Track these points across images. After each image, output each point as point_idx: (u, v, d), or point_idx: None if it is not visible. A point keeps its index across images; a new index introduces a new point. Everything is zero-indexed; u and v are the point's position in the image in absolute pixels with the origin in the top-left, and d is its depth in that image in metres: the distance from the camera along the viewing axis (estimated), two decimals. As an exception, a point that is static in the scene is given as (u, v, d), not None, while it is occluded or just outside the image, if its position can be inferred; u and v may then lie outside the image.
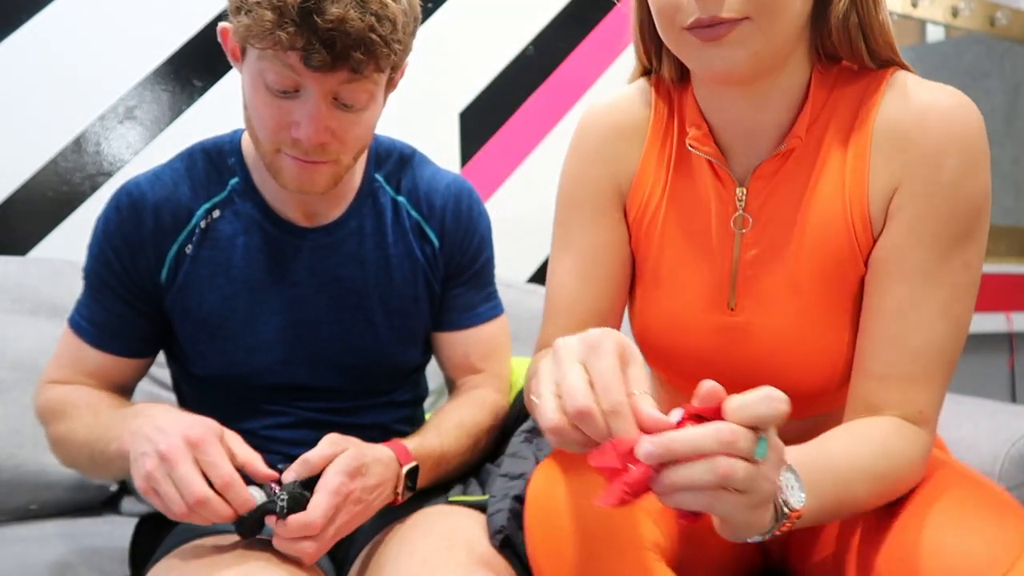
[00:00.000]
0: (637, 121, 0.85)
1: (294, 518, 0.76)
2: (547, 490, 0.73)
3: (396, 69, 0.90)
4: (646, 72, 0.88)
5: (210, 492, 0.73)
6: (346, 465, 0.80)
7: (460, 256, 1.05)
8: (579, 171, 0.86)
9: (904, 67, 0.77)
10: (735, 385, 0.79)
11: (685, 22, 0.70)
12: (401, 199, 1.02)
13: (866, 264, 0.76)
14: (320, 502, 0.77)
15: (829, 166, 0.77)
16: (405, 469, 0.87)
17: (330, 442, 0.81)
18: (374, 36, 0.79)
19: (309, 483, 0.79)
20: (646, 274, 0.86)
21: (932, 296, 0.72)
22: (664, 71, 0.84)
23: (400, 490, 0.87)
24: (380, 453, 0.85)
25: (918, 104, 0.73)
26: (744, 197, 0.79)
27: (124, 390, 0.99)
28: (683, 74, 0.84)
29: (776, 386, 0.79)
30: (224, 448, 0.76)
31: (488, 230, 1.09)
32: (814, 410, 0.83)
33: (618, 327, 0.83)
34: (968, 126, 0.71)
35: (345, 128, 0.86)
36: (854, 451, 0.69)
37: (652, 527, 0.70)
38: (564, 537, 0.70)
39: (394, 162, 1.04)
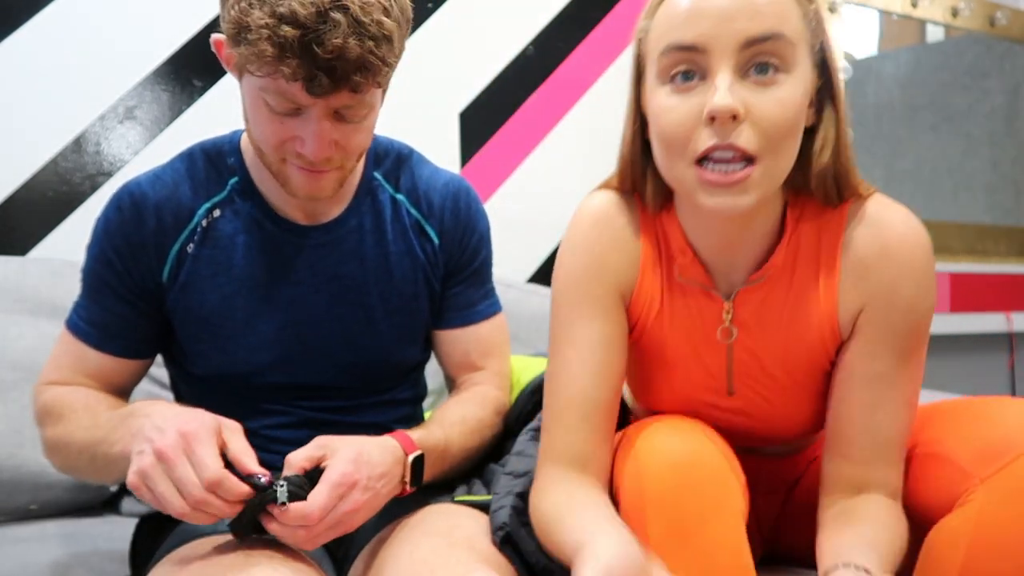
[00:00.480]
0: (631, 238, 0.89)
1: (294, 506, 0.75)
2: (646, 449, 0.80)
3: (388, 81, 0.91)
4: (622, 189, 0.90)
5: (208, 495, 0.73)
6: (350, 454, 0.80)
7: (459, 254, 1.05)
8: (579, 273, 0.88)
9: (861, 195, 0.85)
10: (734, 436, 0.91)
11: (697, 151, 0.74)
12: (400, 197, 1.03)
13: (837, 353, 0.87)
14: (321, 492, 0.77)
15: (804, 286, 0.86)
16: (411, 458, 0.87)
17: (316, 445, 0.81)
18: (373, 59, 0.80)
19: (312, 475, 0.79)
20: (655, 361, 0.92)
21: (897, 392, 0.84)
22: (648, 196, 0.88)
23: (407, 479, 0.87)
24: (384, 441, 0.85)
25: (880, 238, 0.83)
26: (731, 311, 0.87)
27: (123, 392, 0.99)
28: (666, 199, 0.88)
29: (765, 437, 0.94)
30: (217, 442, 0.75)
31: (487, 228, 1.09)
32: (792, 443, 0.99)
33: (616, 417, 0.89)
34: (920, 256, 0.83)
35: (348, 138, 0.87)
36: (890, 542, 0.81)
37: (742, 498, 0.79)
38: (664, 494, 0.76)
39: (392, 161, 1.04)
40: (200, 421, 0.76)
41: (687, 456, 0.78)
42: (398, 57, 0.85)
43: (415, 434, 0.90)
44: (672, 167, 0.78)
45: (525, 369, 1.17)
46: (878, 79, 2.53)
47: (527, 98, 2.00)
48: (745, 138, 0.73)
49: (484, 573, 0.77)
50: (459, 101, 1.93)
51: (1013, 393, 2.66)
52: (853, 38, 2.42)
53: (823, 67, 0.80)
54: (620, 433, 0.89)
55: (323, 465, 0.80)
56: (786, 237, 0.84)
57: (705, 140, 0.73)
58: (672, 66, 0.75)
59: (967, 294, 2.51)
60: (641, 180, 0.87)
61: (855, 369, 0.85)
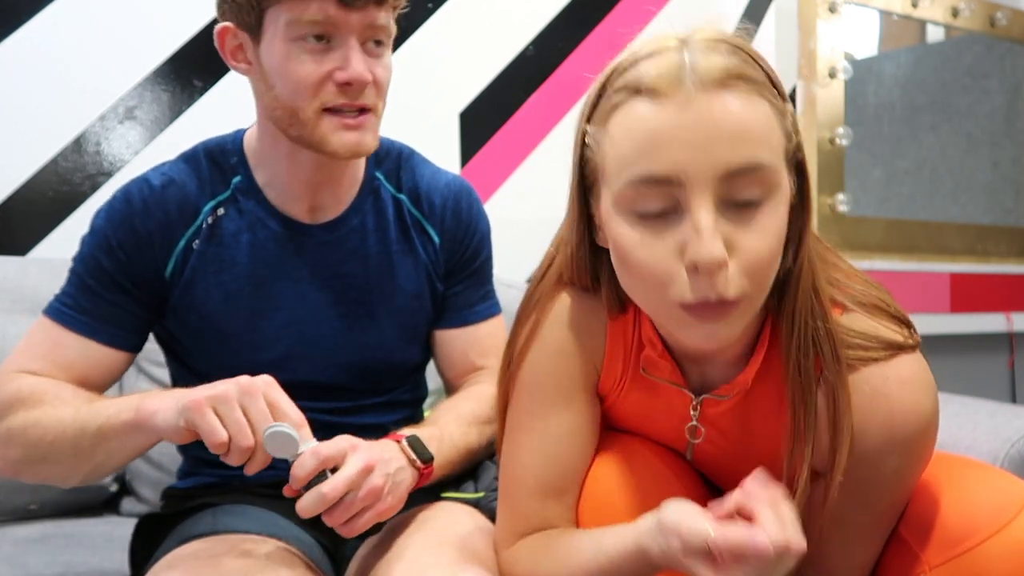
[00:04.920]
0: (598, 330, 0.81)
1: (313, 490, 0.75)
2: (603, 481, 0.79)
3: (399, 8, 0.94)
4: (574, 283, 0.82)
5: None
6: (358, 443, 0.80)
7: (460, 253, 1.05)
8: (548, 363, 0.82)
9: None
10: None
11: (684, 299, 0.65)
12: (402, 197, 1.03)
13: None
14: (339, 477, 0.76)
15: (771, 407, 0.77)
16: (404, 440, 0.87)
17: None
18: None
19: None
20: (620, 423, 0.87)
21: (875, 532, 0.76)
22: (605, 300, 0.79)
23: (414, 458, 0.86)
24: (375, 442, 0.85)
25: (876, 408, 0.71)
26: (699, 408, 0.79)
27: (96, 389, 0.94)
28: (623, 303, 0.78)
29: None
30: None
31: (487, 229, 1.09)
32: None
33: (577, 500, 0.82)
34: (918, 431, 0.71)
35: (376, 70, 0.91)
36: None
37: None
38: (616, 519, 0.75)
39: (393, 161, 1.04)
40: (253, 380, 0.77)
41: (604, 490, 0.79)
42: None
43: (403, 430, 0.90)
44: (647, 302, 0.70)
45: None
46: (878, 79, 2.53)
47: (527, 98, 2.00)
48: (734, 287, 0.64)
49: (474, 572, 0.77)
50: (459, 101, 1.93)
51: (1013, 393, 2.66)
52: (853, 38, 2.42)
53: (797, 169, 0.69)
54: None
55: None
56: (758, 355, 0.74)
57: (689, 289, 0.64)
58: (638, 198, 0.65)
59: (967, 294, 2.51)
60: (593, 283, 0.78)
61: (832, 513, 0.75)
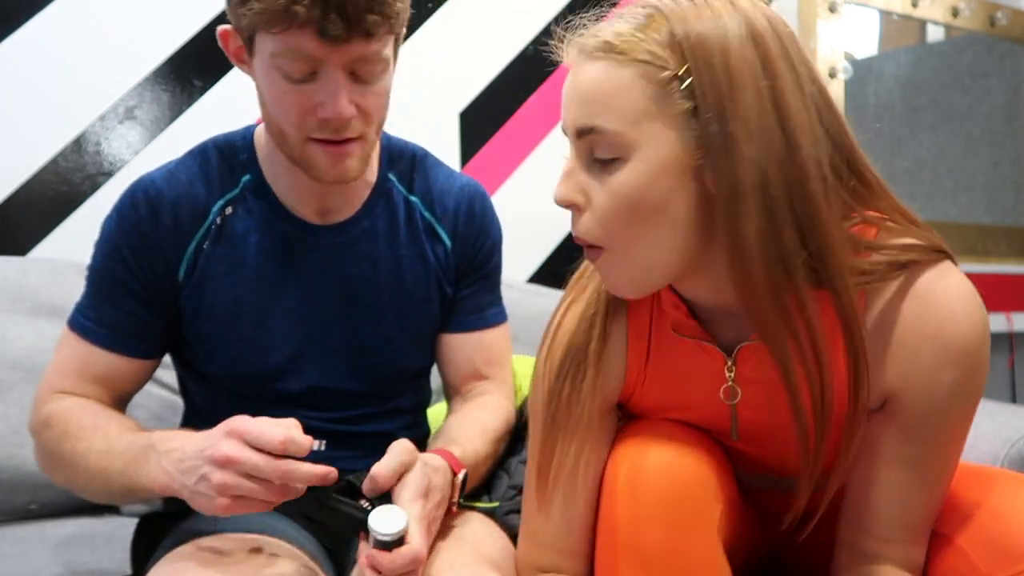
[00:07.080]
0: (618, 330, 0.82)
1: (403, 552, 0.73)
2: (636, 465, 0.77)
3: (401, 33, 0.89)
4: None
5: (290, 463, 0.73)
6: (419, 484, 0.79)
7: (471, 258, 1.04)
8: (562, 395, 0.81)
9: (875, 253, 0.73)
10: (743, 462, 0.85)
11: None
12: (414, 199, 1.02)
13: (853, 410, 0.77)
14: (417, 531, 0.75)
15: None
16: (459, 477, 0.86)
17: (403, 450, 0.80)
18: None
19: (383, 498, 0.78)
20: (647, 412, 0.85)
21: (932, 476, 0.76)
22: None
23: (455, 500, 0.86)
24: (436, 463, 0.84)
25: (927, 319, 0.71)
26: (734, 368, 0.79)
27: (127, 398, 0.98)
28: None
29: (776, 467, 0.86)
30: (252, 445, 0.74)
31: (499, 235, 1.08)
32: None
33: (593, 527, 0.81)
34: (975, 339, 0.71)
35: (367, 100, 0.86)
36: None
37: (721, 516, 0.76)
38: (649, 510, 0.74)
39: (407, 162, 1.03)
40: (232, 417, 0.75)
41: (680, 472, 0.76)
42: (405, 5, 0.85)
43: (456, 451, 0.89)
44: None
45: (527, 375, 1.17)
46: (878, 79, 2.53)
47: (527, 98, 2.00)
48: (583, 228, 0.72)
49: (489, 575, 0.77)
50: (459, 101, 1.93)
51: (1013, 393, 2.66)
52: (853, 38, 2.42)
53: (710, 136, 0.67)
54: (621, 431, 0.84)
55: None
56: None
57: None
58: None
59: (967, 294, 2.50)
60: None
61: (886, 450, 0.76)
